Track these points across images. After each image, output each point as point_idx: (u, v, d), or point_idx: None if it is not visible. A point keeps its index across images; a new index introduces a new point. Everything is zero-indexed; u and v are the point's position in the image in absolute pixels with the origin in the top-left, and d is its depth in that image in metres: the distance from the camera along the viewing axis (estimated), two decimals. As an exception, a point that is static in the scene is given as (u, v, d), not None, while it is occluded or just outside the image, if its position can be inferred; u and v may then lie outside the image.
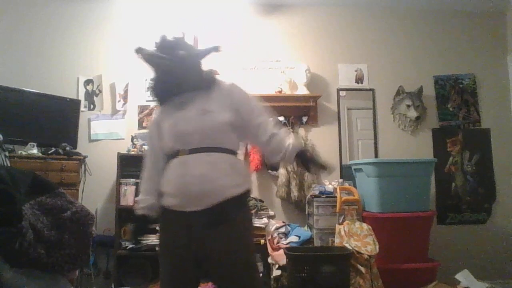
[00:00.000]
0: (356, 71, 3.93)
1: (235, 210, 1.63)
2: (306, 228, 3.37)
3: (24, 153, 3.07)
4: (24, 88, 3.28)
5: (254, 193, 3.60)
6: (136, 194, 3.26)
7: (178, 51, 1.72)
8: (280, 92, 3.69)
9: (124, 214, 3.24)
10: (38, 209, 1.63)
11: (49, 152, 3.11)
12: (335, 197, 3.16)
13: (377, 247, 2.80)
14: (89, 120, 3.66)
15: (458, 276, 2.98)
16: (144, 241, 3.13)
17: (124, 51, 3.71)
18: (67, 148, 3.18)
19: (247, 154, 3.51)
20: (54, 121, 3.34)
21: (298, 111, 3.75)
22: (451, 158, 3.87)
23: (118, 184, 3.27)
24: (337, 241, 2.94)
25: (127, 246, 3.16)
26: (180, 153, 1.65)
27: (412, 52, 3.99)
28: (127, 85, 3.69)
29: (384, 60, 3.95)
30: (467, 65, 3.99)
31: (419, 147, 3.85)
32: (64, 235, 1.63)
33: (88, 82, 3.71)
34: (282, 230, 3.21)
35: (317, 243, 3.17)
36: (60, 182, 2.89)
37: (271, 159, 1.82)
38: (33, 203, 1.62)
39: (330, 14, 3.97)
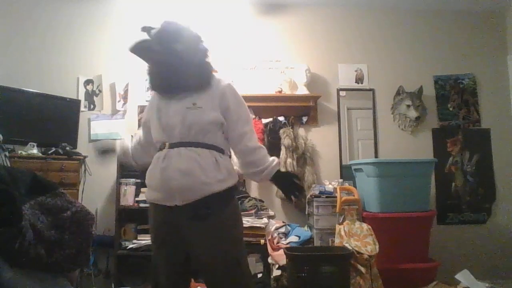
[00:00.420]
0: (356, 71, 3.93)
1: (219, 206, 1.61)
2: (306, 228, 3.37)
3: (24, 153, 3.07)
4: (24, 88, 3.28)
5: (254, 193, 3.61)
6: (136, 194, 3.26)
7: (176, 44, 1.65)
8: (280, 92, 3.69)
9: (124, 214, 3.25)
10: (38, 209, 1.62)
11: (49, 152, 3.11)
12: (335, 197, 3.16)
13: (377, 247, 2.80)
14: (89, 120, 3.66)
15: (458, 276, 2.98)
16: (144, 241, 3.13)
17: (124, 51, 3.69)
18: (67, 148, 3.18)
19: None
20: (54, 121, 3.34)
21: (298, 111, 3.75)
22: (451, 158, 3.87)
23: (118, 184, 3.26)
24: (337, 241, 2.94)
25: (127, 246, 3.16)
26: (165, 146, 1.65)
27: (412, 52, 3.99)
28: (127, 85, 3.69)
29: (384, 60, 3.95)
30: (467, 65, 3.99)
31: (419, 147, 3.85)
32: (64, 235, 1.63)
33: (88, 82, 3.71)
34: (282, 230, 3.21)
35: (317, 243, 3.17)
36: (60, 182, 2.89)
37: (245, 170, 1.76)
38: (33, 203, 1.62)
39: (330, 14, 3.97)
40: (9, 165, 2.67)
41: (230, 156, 1.78)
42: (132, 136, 2.02)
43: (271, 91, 3.69)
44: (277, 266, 2.91)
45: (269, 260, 3.03)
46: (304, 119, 3.79)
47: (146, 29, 1.74)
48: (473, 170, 3.86)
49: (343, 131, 3.82)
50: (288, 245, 3.00)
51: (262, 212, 3.31)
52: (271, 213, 3.42)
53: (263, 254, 3.11)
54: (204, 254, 1.62)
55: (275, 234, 3.16)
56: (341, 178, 3.63)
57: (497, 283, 3.19)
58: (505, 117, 3.94)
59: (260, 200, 3.43)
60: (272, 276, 2.93)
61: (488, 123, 3.93)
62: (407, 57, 3.97)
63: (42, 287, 1.50)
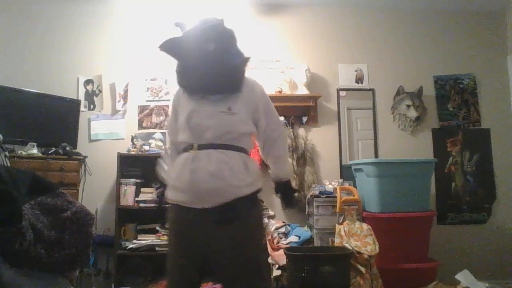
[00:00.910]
0: (356, 71, 3.93)
1: (246, 210, 1.59)
2: (306, 228, 3.37)
3: (24, 153, 3.07)
4: (24, 88, 3.28)
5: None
6: (136, 194, 3.26)
7: (208, 43, 1.60)
8: (280, 92, 3.69)
9: (124, 214, 3.25)
10: (38, 209, 1.62)
11: (49, 152, 3.11)
12: (335, 197, 3.16)
13: (377, 247, 2.80)
14: (89, 120, 3.66)
15: (458, 276, 2.98)
16: (144, 241, 3.13)
17: (124, 51, 3.72)
18: (67, 148, 3.18)
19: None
20: (54, 121, 3.35)
21: (298, 111, 3.75)
22: (451, 158, 3.87)
23: (118, 184, 3.26)
24: (337, 241, 2.94)
25: (127, 246, 3.16)
26: (193, 147, 1.62)
27: (412, 52, 3.98)
28: (127, 85, 3.69)
29: (384, 60, 3.95)
30: (467, 65, 3.99)
31: (419, 147, 3.85)
32: (64, 235, 1.63)
33: (88, 82, 3.71)
34: (282, 230, 3.21)
35: (317, 243, 3.17)
36: (60, 182, 2.89)
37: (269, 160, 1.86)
38: (33, 203, 1.62)
39: (330, 14, 3.97)
40: (9, 165, 2.67)
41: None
42: (164, 151, 1.98)
43: (271, 91, 3.69)
44: (277, 266, 2.91)
45: (269, 260, 3.03)
46: (304, 119, 3.79)
47: (179, 24, 1.68)
48: (473, 170, 3.86)
49: (343, 131, 3.82)
50: (288, 245, 3.00)
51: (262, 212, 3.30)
52: (271, 213, 3.42)
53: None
54: (227, 258, 1.58)
55: (275, 234, 3.15)
56: (341, 178, 3.63)
57: (497, 283, 3.19)
58: (505, 117, 3.93)
59: (260, 200, 3.42)
60: (272, 276, 2.93)
61: (488, 123, 3.93)
62: (407, 57, 3.97)
63: (42, 287, 1.50)
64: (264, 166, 2.11)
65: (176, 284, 1.66)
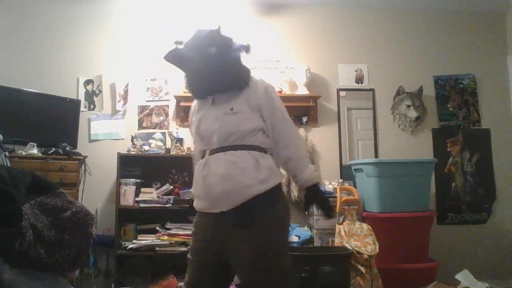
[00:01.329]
0: (356, 71, 3.93)
1: (264, 208, 1.56)
2: (306, 228, 3.37)
3: (24, 153, 3.07)
4: (24, 88, 3.28)
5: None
6: (136, 194, 3.26)
7: (209, 48, 1.65)
8: (280, 92, 3.68)
9: (124, 214, 3.25)
10: (38, 209, 1.62)
11: (49, 152, 3.11)
12: (335, 197, 3.16)
13: (377, 247, 2.80)
14: (89, 120, 3.66)
15: (458, 276, 2.98)
16: (144, 241, 3.13)
17: (124, 51, 3.72)
18: (67, 148, 3.18)
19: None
20: (54, 121, 3.34)
21: (298, 111, 3.75)
22: (451, 158, 3.87)
23: (118, 184, 3.26)
24: (337, 241, 2.94)
25: (127, 246, 3.16)
26: (205, 153, 1.64)
27: (412, 52, 3.99)
28: (127, 85, 3.69)
29: (384, 60, 3.95)
30: (467, 65, 3.99)
31: (419, 147, 3.85)
32: (64, 235, 1.63)
33: (88, 82, 3.71)
34: (282, 230, 3.21)
35: (317, 243, 3.17)
36: (60, 182, 2.90)
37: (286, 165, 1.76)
38: (33, 203, 1.62)
39: (330, 14, 3.97)
40: (9, 165, 2.67)
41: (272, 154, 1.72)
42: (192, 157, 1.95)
43: (271, 91, 3.69)
44: (277, 266, 2.91)
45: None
46: (304, 119, 3.79)
47: (178, 42, 1.72)
48: (473, 170, 3.86)
49: (343, 131, 3.82)
50: (288, 245, 3.00)
51: (262, 212, 3.30)
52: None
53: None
54: (246, 262, 1.55)
55: (275, 234, 3.15)
56: (341, 178, 3.63)
57: (497, 283, 3.20)
58: (505, 117, 3.94)
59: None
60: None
61: (488, 123, 3.93)
62: (407, 57, 3.97)
63: (42, 287, 1.50)
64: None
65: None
